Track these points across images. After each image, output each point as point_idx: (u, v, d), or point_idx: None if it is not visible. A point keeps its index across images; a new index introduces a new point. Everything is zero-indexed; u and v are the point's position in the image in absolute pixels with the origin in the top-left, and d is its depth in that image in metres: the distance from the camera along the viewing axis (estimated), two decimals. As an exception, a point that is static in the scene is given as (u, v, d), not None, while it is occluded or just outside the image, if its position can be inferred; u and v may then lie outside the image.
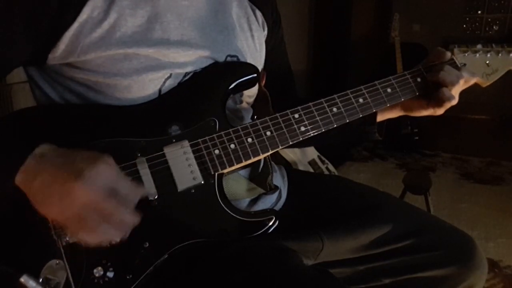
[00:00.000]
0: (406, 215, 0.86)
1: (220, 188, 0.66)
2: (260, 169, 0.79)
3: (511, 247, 1.97)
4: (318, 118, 0.72)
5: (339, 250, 0.80)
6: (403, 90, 0.80)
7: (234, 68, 0.74)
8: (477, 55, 0.86)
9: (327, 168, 2.18)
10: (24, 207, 0.54)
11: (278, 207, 0.83)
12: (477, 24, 3.77)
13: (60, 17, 0.60)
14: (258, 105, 0.85)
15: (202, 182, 0.64)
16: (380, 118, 0.88)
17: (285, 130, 0.70)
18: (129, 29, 0.64)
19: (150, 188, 0.61)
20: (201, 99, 0.69)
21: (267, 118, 0.70)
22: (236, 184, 0.74)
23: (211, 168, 0.65)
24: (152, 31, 0.66)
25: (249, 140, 0.68)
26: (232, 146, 0.67)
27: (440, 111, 0.81)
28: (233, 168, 0.67)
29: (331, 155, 2.26)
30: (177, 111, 0.67)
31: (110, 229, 0.54)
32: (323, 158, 2.20)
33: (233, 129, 0.68)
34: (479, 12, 3.75)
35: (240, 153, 0.67)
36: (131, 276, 0.59)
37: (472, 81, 0.84)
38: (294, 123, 0.71)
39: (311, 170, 2.10)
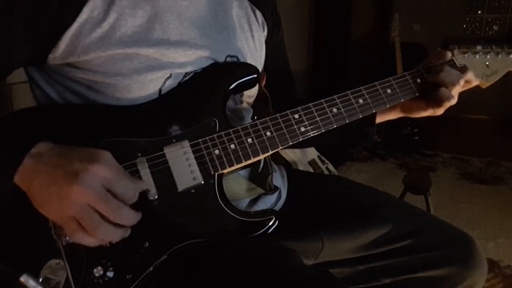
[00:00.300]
0: (406, 215, 0.86)
1: (220, 188, 0.66)
2: (260, 169, 0.79)
3: (511, 247, 1.98)
4: (318, 119, 0.72)
5: (339, 250, 0.80)
6: (403, 91, 0.80)
7: (235, 68, 0.74)
8: (477, 56, 0.86)
9: (327, 168, 2.18)
10: (24, 207, 0.54)
11: (278, 207, 0.83)
12: (477, 24, 3.77)
13: (60, 17, 0.60)
14: (258, 105, 0.85)
15: (202, 182, 0.64)
16: (379, 119, 0.88)
17: (285, 130, 0.70)
18: (129, 29, 0.64)
19: (150, 188, 0.61)
20: (201, 99, 0.69)
21: (267, 118, 0.70)
22: (236, 184, 0.74)
23: (211, 168, 0.65)
24: (152, 31, 0.66)
25: (249, 140, 0.68)
26: (232, 146, 0.67)
27: (439, 111, 0.81)
28: (233, 168, 0.67)
29: (331, 155, 2.26)
30: (177, 111, 0.67)
31: (110, 229, 0.54)
32: (323, 158, 2.21)
33: (233, 129, 0.68)
34: (479, 12, 3.75)
35: (240, 153, 0.67)
36: (131, 276, 0.59)
37: (475, 82, 0.83)
38: (294, 124, 0.71)
39: (311, 170, 2.10)
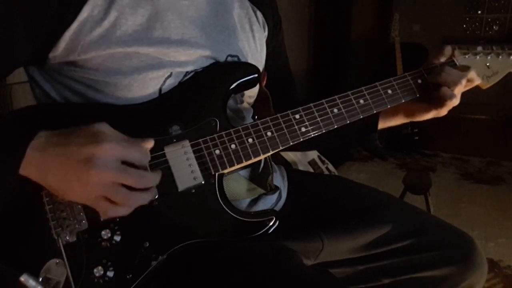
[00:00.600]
0: (406, 215, 0.86)
1: (221, 188, 0.66)
2: (260, 169, 0.79)
3: (511, 247, 1.98)
4: (319, 119, 0.72)
5: (339, 250, 0.80)
6: (403, 92, 0.80)
7: (235, 68, 0.74)
8: (478, 57, 0.86)
9: (327, 168, 2.18)
10: (24, 207, 0.54)
11: (278, 207, 0.83)
12: (477, 24, 3.77)
13: (60, 16, 0.60)
14: (259, 105, 0.85)
15: (203, 182, 0.64)
16: (382, 125, 0.88)
17: (285, 130, 0.70)
18: (130, 28, 0.64)
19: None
20: (202, 98, 0.69)
21: (268, 118, 0.70)
22: (237, 184, 0.74)
23: (211, 168, 0.65)
24: (152, 30, 0.66)
25: (250, 140, 0.68)
26: (233, 146, 0.67)
27: (443, 112, 0.81)
28: (233, 168, 0.67)
29: (331, 155, 2.26)
30: (177, 111, 0.67)
31: (140, 195, 0.56)
32: (323, 158, 2.21)
33: (234, 129, 0.68)
34: (479, 12, 3.74)
35: (241, 153, 0.67)
36: (131, 275, 0.59)
37: (477, 81, 0.83)
38: (295, 124, 0.70)
39: (311, 170, 2.10)
